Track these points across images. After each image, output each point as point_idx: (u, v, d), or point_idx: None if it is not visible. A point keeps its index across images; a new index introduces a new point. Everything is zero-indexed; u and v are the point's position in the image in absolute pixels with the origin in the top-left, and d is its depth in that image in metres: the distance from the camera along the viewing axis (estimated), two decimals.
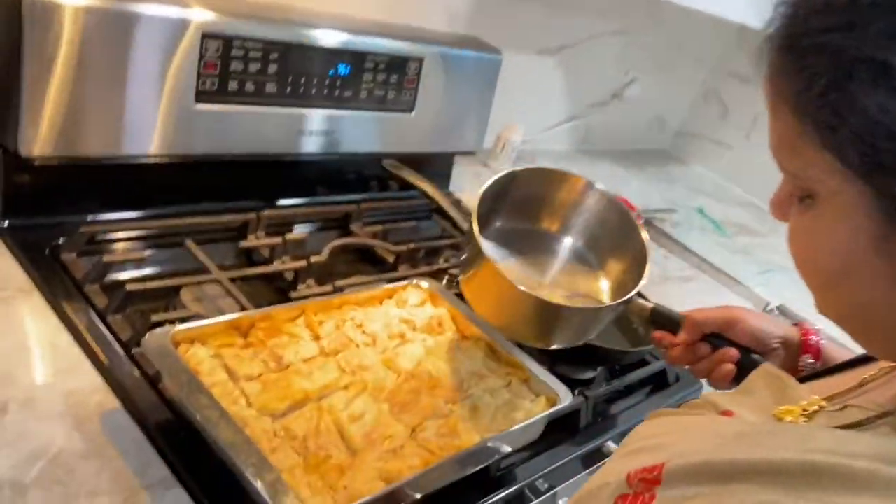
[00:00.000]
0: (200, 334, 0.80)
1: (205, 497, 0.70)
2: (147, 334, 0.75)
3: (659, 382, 1.21)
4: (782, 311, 1.69)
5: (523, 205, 0.97)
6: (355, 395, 0.81)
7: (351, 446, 0.75)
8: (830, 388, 0.57)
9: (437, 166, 1.51)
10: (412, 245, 1.23)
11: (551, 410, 0.87)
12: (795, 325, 0.81)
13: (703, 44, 2.27)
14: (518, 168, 0.95)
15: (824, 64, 0.44)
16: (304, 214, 1.22)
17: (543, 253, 0.99)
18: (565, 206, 0.98)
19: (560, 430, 0.99)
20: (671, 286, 1.61)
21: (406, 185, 1.29)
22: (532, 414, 0.87)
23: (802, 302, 1.71)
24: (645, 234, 0.93)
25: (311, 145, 1.21)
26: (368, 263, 1.24)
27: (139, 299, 0.93)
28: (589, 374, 1.11)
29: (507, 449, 0.81)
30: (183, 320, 0.90)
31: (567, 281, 0.96)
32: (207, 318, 0.92)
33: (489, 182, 0.89)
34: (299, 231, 1.16)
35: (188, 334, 0.78)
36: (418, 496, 0.70)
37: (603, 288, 0.97)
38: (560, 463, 0.95)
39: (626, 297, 0.85)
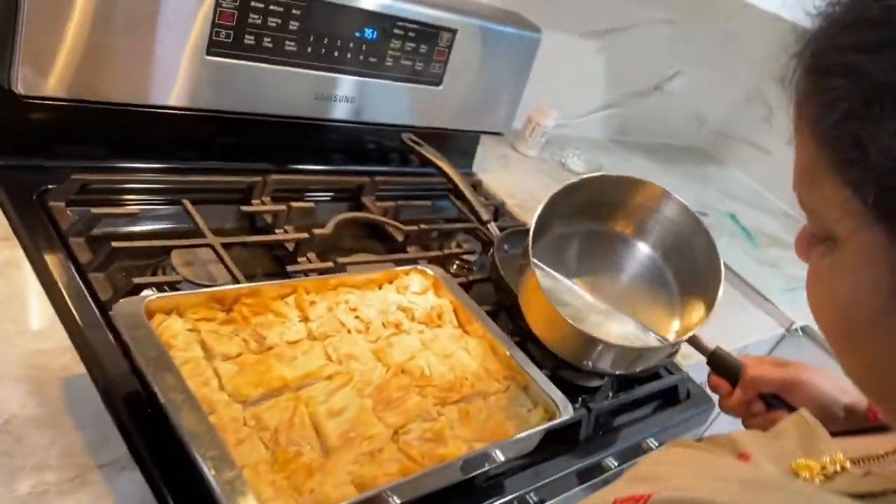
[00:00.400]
0: (179, 305, 0.74)
1: (163, 484, 0.65)
2: (120, 301, 0.70)
3: (669, 398, 1.14)
4: (807, 332, 1.61)
5: (592, 208, 0.98)
6: (338, 387, 0.75)
7: (325, 444, 0.69)
8: (866, 449, 0.51)
9: (461, 145, 1.44)
10: (424, 226, 1.16)
11: (547, 425, 0.80)
12: None
13: (754, 42, 2.16)
14: (584, 176, 0.98)
15: (846, 87, 0.39)
16: (314, 183, 1.16)
17: (614, 256, 1.00)
18: (640, 210, 0.98)
19: (558, 440, 0.93)
20: None
21: (426, 162, 1.22)
22: (527, 425, 0.81)
23: None
24: (722, 266, 0.90)
25: (329, 111, 1.15)
26: (376, 241, 1.18)
27: (125, 257, 0.87)
28: (595, 383, 1.04)
29: (495, 462, 0.75)
30: (170, 286, 0.85)
31: (632, 298, 0.96)
32: (196, 283, 0.87)
33: (553, 195, 0.91)
34: (307, 200, 1.10)
35: (165, 303, 0.73)
36: None
37: (669, 313, 0.94)
38: (554, 477, 0.90)
39: (678, 339, 0.86)
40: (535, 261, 0.89)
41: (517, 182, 1.56)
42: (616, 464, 1.00)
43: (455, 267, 1.19)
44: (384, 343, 0.84)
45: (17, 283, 0.78)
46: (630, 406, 1.08)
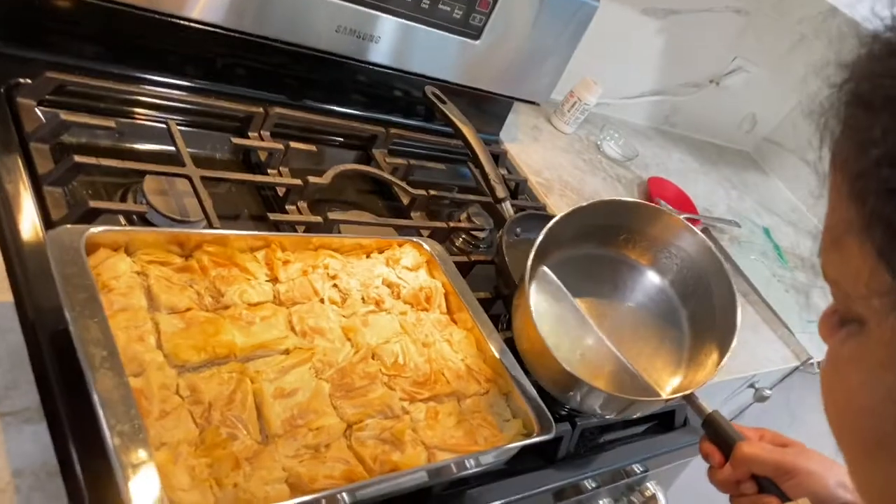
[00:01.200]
0: (131, 241, 0.65)
1: (73, 449, 0.56)
2: (59, 227, 0.60)
3: (664, 422, 1.05)
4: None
5: (606, 232, 0.90)
6: (294, 364, 0.66)
7: (266, 430, 0.60)
8: None
9: (491, 108, 1.32)
10: (434, 192, 1.06)
11: (521, 444, 0.71)
12: None
13: (825, 50, 2.00)
14: (604, 199, 0.92)
15: (886, 125, 0.30)
16: (322, 124, 1.05)
17: (626, 286, 0.92)
18: (658, 242, 0.90)
19: (534, 453, 0.84)
20: None
21: (446, 122, 1.11)
22: (500, 439, 0.72)
23: None
24: (738, 321, 0.80)
25: (350, 47, 1.03)
26: (379, 199, 1.08)
27: (92, 174, 0.78)
28: None
29: (451, 477, 0.67)
30: (134, 216, 0.76)
31: (639, 333, 0.89)
32: (166, 217, 0.78)
33: (567, 212, 0.83)
34: (309, 142, 0.99)
35: (113, 238, 0.63)
36: None
37: (676, 360, 0.85)
38: (524, 494, 0.81)
39: (675, 396, 0.79)
40: (546, 269, 0.80)
41: (545, 159, 1.45)
42: (594, 485, 0.91)
43: (460, 241, 1.09)
44: (359, 320, 0.74)
45: None
46: (620, 425, 0.99)
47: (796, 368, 1.48)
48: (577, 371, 0.75)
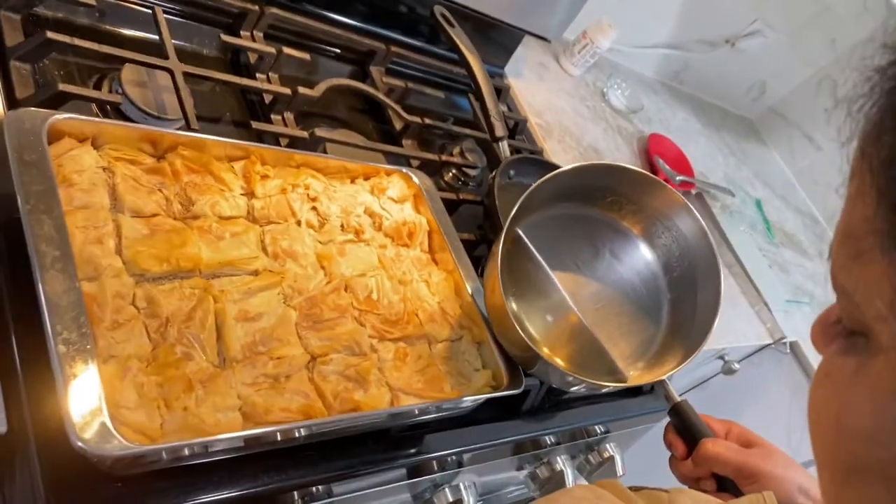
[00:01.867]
0: (99, 134, 0.60)
1: (14, 348, 0.52)
2: (20, 109, 0.55)
3: (631, 388, 1.03)
4: (794, 350, 1.50)
5: (600, 195, 0.84)
6: (262, 287, 0.62)
7: (224, 352, 0.57)
8: None
9: (500, 39, 1.26)
10: (428, 120, 1.01)
11: (486, 396, 0.69)
12: None
13: (847, 25, 1.94)
14: (605, 162, 0.87)
15: None
16: (319, 32, 0.98)
17: (609, 251, 0.86)
18: (655, 215, 0.84)
19: (499, 404, 0.82)
20: None
21: (453, 47, 1.05)
22: (466, 388, 0.70)
23: None
24: (715, 324, 0.76)
25: None
26: (370, 120, 1.03)
27: (66, 54, 0.72)
28: None
29: (411, 420, 0.64)
30: (102, 106, 0.71)
31: (614, 305, 0.85)
32: (141, 110, 0.73)
33: (559, 171, 0.77)
34: (304, 49, 0.93)
35: (79, 127, 0.58)
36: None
37: (645, 343, 0.82)
38: (484, 443, 0.79)
39: (643, 382, 0.79)
40: (521, 233, 0.75)
41: (548, 100, 1.39)
42: (553, 440, 0.90)
43: (449, 176, 1.04)
44: (335, 248, 0.70)
45: None
46: None
47: (768, 345, 1.48)
48: (541, 338, 0.72)
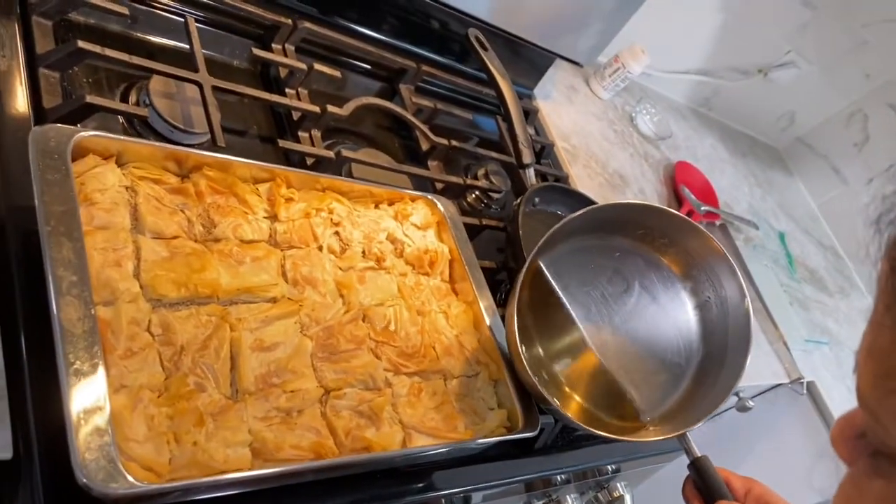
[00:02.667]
0: (123, 151, 0.59)
1: (26, 370, 0.51)
2: (46, 125, 0.54)
3: None
4: (811, 391, 1.47)
5: (638, 230, 0.81)
6: (280, 315, 0.61)
7: (237, 384, 0.56)
8: None
9: (531, 61, 1.24)
10: (455, 143, 0.99)
11: (501, 438, 0.67)
12: None
13: (883, 60, 1.91)
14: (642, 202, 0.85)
15: None
16: (352, 48, 0.97)
17: (640, 286, 0.83)
18: (695, 259, 0.81)
19: (512, 442, 0.80)
20: None
21: (484, 70, 1.03)
22: (480, 429, 0.68)
23: (838, 390, 1.50)
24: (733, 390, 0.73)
25: None
26: (397, 139, 1.01)
27: (94, 62, 0.71)
28: None
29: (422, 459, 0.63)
30: (129, 119, 0.70)
31: (638, 346, 0.81)
32: (167, 122, 0.72)
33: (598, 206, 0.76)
34: (335, 65, 0.92)
35: (105, 145, 0.57)
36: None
37: (663, 395, 0.78)
38: (497, 482, 0.77)
39: (662, 437, 0.73)
40: (544, 267, 0.73)
41: (576, 123, 1.37)
42: (563, 478, 0.88)
43: (472, 198, 1.03)
44: (355, 276, 0.69)
45: None
46: None
47: (784, 384, 1.45)
48: (562, 375, 0.70)
